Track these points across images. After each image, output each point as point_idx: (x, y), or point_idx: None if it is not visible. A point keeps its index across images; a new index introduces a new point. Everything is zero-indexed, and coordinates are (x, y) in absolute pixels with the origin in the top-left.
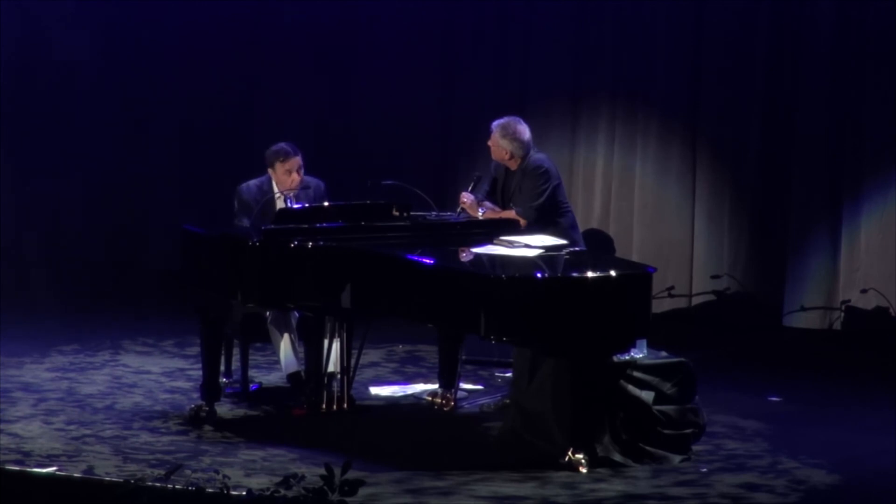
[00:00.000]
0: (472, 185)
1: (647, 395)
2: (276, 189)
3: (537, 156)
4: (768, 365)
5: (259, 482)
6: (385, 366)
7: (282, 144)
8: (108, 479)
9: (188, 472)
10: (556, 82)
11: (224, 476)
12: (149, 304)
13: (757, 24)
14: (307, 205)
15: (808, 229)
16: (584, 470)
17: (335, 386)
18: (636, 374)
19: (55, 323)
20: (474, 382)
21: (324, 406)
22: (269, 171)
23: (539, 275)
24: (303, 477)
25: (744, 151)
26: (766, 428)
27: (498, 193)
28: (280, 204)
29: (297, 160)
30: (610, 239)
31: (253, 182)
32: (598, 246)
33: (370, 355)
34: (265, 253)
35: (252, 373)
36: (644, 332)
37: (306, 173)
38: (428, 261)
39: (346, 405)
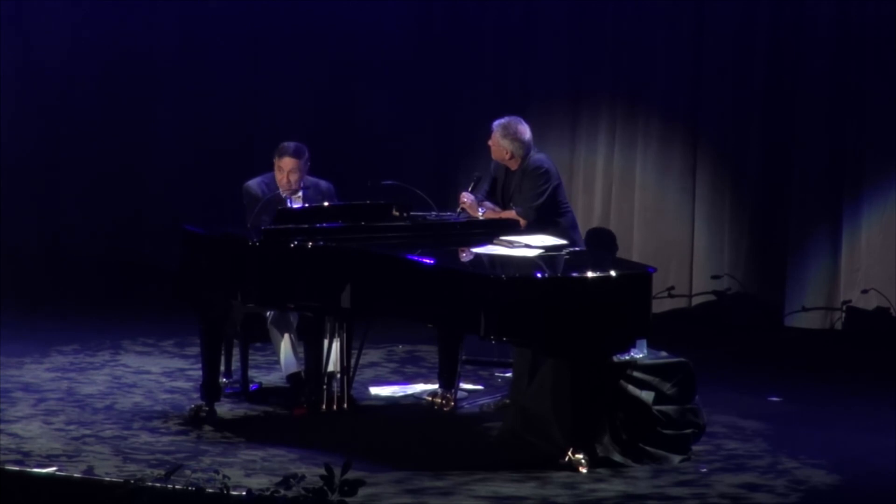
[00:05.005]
0: (472, 185)
1: (647, 395)
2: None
3: (537, 156)
4: (768, 365)
5: (259, 482)
6: (385, 366)
7: (288, 143)
8: (108, 479)
9: (188, 472)
10: (556, 82)
11: (224, 476)
12: (149, 304)
13: (757, 23)
14: (307, 205)
15: (808, 229)
16: (584, 470)
17: (335, 386)
18: (636, 374)
19: (55, 323)
20: (474, 382)
21: (324, 406)
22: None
23: (539, 275)
24: (303, 477)
25: (744, 151)
26: (766, 428)
27: (498, 193)
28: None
29: (290, 161)
30: (611, 239)
31: (257, 179)
32: (598, 246)
33: (370, 355)
34: (265, 253)
35: (252, 373)
36: (644, 332)
37: (311, 174)
38: (428, 261)
39: (346, 405)
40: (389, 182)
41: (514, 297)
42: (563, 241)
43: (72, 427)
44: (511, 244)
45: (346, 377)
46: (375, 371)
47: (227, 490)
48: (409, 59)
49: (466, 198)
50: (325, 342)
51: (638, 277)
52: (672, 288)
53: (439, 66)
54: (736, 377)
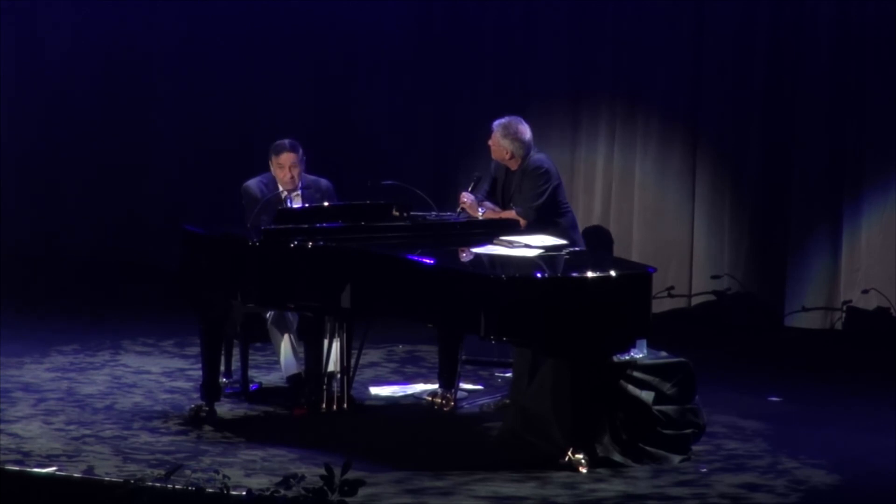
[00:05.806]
0: (472, 185)
1: (647, 395)
2: (280, 186)
3: (537, 156)
4: (768, 365)
5: (259, 482)
6: (385, 366)
7: (281, 140)
8: (108, 479)
9: (188, 472)
10: (556, 82)
11: (224, 476)
12: (149, 304)
13: (757, 23)
14: (307, 205)
15: (808, 229)
16: (584, 470)
17: (335, 386)
18: (636, 374)
19: (55, 323)
20: (474, 382)
21: (324, 406)
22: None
23: (539, 275)
24: (303, 477)
25: (744, 151)
26: (766, 428)
27: (498, 193)
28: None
29: (288, 156)
30: (610, 239)
31: (256, 179)
32: (598, 246)
33: (370, 355)
34: (265, 253)
35: (252, 373)
36: (644, 332)
37: (310, 173)
38: (428, 261)
39: (346, 405)
40: (389, 182)
41: (514, 297)
42: (563, 241)
43: (72, 427)
44: (511, 244)
45: (346, 377)
46: (375, 371)
47: (227, 490)
48: (409, 59)
49: (466, 198)
50: (325, 342)
51: (638, 277)
52: (672, 288)
53: (439, 66)
54: (736, 377)
